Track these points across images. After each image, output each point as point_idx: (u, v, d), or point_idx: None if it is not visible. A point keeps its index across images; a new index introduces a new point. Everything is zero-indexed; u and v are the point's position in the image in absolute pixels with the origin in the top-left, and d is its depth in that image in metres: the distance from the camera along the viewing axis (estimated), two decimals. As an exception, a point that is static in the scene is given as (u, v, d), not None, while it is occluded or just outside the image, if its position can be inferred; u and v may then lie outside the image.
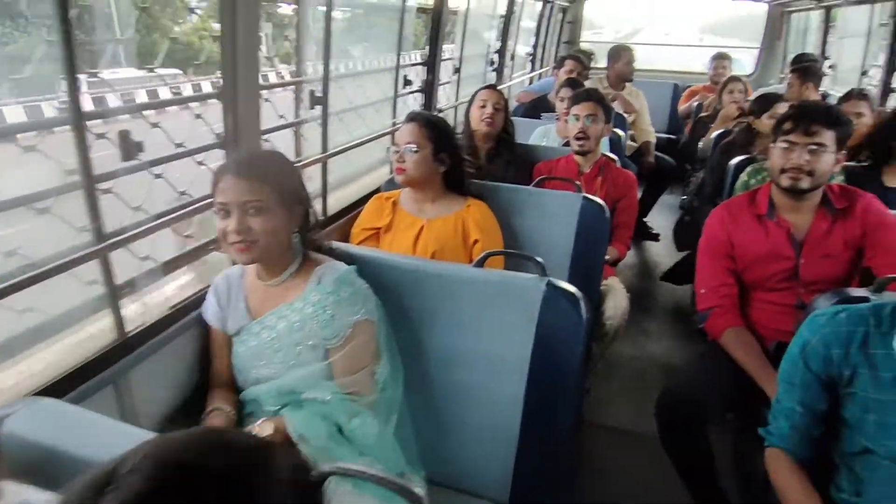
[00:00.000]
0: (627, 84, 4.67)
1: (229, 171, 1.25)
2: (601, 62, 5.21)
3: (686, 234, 3.93)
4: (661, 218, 4.89)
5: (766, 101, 3.20)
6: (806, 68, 3.74)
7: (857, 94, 2.99)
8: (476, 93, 2.81)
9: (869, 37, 3.93)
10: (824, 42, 4.86)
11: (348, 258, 1.46)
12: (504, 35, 4.08)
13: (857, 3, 4.04)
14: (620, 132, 3.58)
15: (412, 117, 1.95)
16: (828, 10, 4.74)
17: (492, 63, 4.02)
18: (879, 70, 3.83)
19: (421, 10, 2.74)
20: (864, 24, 4.07)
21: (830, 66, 4.61)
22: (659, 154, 4.62)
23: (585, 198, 2.16)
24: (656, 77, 6.64)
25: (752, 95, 4.73)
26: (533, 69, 5.44)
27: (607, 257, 2.50)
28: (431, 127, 1.92)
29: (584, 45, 6.96)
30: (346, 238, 2.09)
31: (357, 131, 2.39)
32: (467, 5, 3.19)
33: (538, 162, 2.80)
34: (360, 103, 2.37)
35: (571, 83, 3.43)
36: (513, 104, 4.74)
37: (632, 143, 4.66)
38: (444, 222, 2.01)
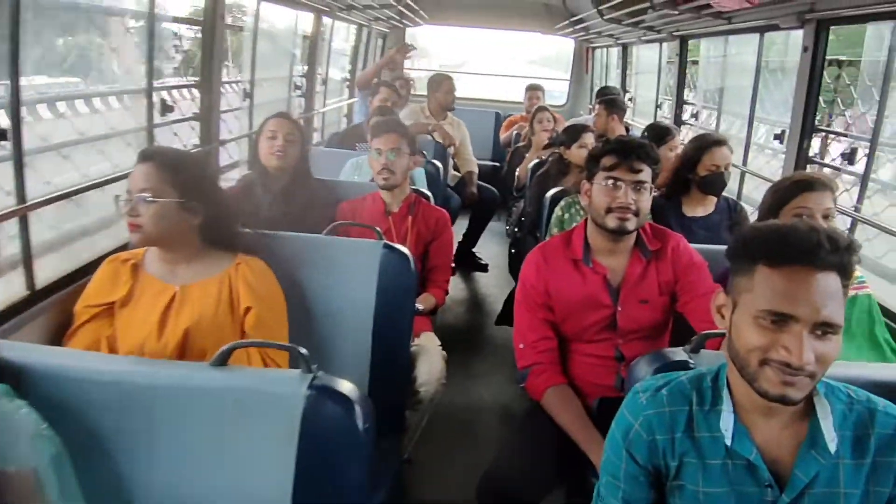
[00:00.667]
0: (449, 114, 4.54)
1: None
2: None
3: (515, 266, 3.85)
4: (492, 246, 4.84)
5: (574, 132, 3.20)
6: (611, 101, 3.87)
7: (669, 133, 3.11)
8: (265, 122, 2.39)
9: (660, 73, 4.22)
10: (624, 76, 5.20)
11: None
12: (311, 58, 3.70)
13: (648, 42, 4.34)
14: (439, 164, 3.38)
15: (146, 156, 1.47)
16: (624, 47, 5.08)
17: (297, 87, 3.61)
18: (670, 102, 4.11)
19: (182, 20, 2.25)
20: (655, 61, 4.39)
21: (630, 99, 4.93)
22: (482, 184, 4.54)
23: (387, 246, 1.84)
24: (480, 106, 6.75)
25: (561, 123, 4.94)
26: (351, 95, 5.13)
27: (420, 307, 2.22)
28: (174, 168, 1.46)
29: (411, 73, 6.90)
30: (69, 320, 1.53)
31: (94, 168, 1.82)
32: (255, 21, 2.85)
33: (343, 201, 2.45)
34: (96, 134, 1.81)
35: (383, 112, 3.15)
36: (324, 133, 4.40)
37: (455, 173, 4.54)
38: (204, 288, 1.54)
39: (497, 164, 6.01)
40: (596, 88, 6.30)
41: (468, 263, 4.64)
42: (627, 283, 1.72)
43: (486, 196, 4.49)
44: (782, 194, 1.66)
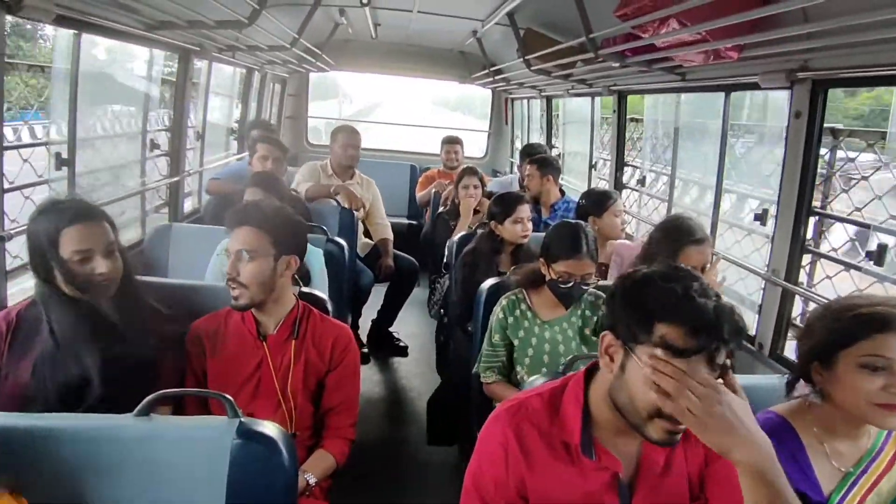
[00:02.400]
0: (357, 171, 3.87)
1: None
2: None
3: (444, 360, 3.18)
4: (412, 322, 4.16)
5: (508, 203, 2.64)
6: (544, 161, 3.39)
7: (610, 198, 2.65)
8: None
9: (593, 128, 3.82)
10: (549, 130, 4.80)
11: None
12: (178, 107, 2.93)
13: (577, 96, 3.94)
14: (342, 241, 2.69)
15: None
16: (548, 99, 4.70)
17: (155, 145, 2.83)
18: (605, 161, 3.69)
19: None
20: (583, 109, 3.98)
21: (558, 156, 4.51)
22: (399, 253, 3.87)
23: (243, 427, 1.12)
24: (393, 158, 6.18)
25: (488, 183, 4.41)
26: (240, 149, 4.37)
27: (311, 480, 1.56)
28: None
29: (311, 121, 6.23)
30: None
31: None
32: (208, 77, 2.24)
33: (198, 317, 1.70)
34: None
35: (261, 181, 2.45)
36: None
37: (367, 241, 3.86)
38: None
39: (414, 222, 5.42)
40: (517, 140, 5.94)
41: (385, 346, 3.93)
42: (645, 481, 1.10)
43: (405, 267, 3.83)
44: (843, 332, 1.13)
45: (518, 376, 2.00)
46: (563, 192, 3.44)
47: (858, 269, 1.65)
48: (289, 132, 5.79)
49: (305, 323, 1.70)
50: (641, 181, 3.18)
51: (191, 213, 3.41)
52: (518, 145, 5.81)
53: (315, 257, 2.43)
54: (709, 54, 1.96)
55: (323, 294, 1.92)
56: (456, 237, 3.02)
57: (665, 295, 0.96)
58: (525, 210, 2.64)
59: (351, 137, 3.77)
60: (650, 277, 1.02)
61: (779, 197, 1.90)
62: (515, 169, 4.97)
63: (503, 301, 2.05)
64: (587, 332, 2.00)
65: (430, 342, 3.60)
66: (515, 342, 2.00)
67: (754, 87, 1.98)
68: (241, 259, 1.57)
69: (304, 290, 1.87)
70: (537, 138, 5.22)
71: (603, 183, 3.66)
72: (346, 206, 3.35)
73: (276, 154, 3.14)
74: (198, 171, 3.49)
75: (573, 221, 1.98)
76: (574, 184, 4.13)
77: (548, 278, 1.95)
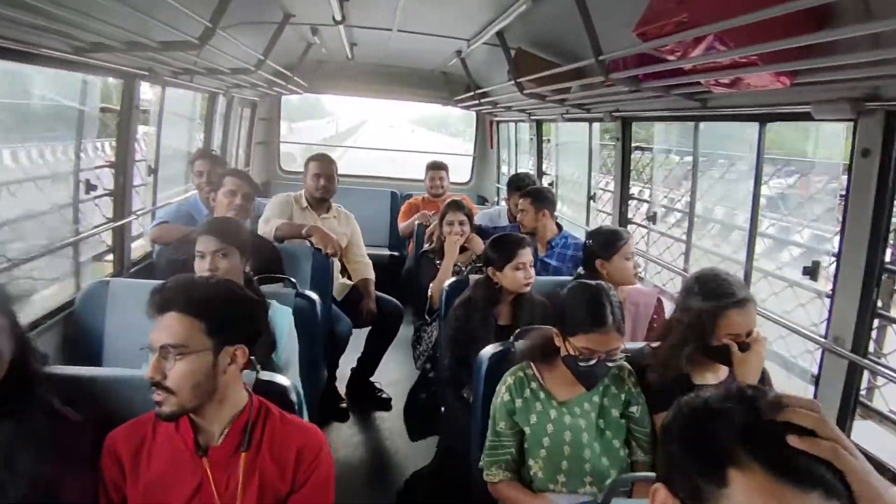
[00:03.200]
0: (335, 204, 3.50)
1: None
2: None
3: (420, 417, 2.79)
4: (397, 370, 3.76)
5: (507, 248, 2.29)
6: (538, 193, 3.06)
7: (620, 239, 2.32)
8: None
9: (591, 157, 3.50)
10: (539, 157, 4.49)
11: None
12: (122, 140, 2.54)
13: (572, 121, 3.63)
14: (314, 296, 2.31)
15: None
16: (538, 123, 4.40)
17: (91, 187, 2.42)
18: (606, 192, 3.37)
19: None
20: (576, 133, 3.66)
21: (551, 183, 4.19)
22: (382, 295, 3.49)
23: None
24: (373, 184, 5.82)
25: (476, 214, 4.07)
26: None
27: None
28: None
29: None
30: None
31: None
32: (161, 103, 2.13)
33: (126, 418, 1.30)
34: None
35: (216, 227, 2.05)
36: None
37: (345, 282, 3.48)
38: None
39: (396, 253, 5.06)
40: (503, 164, 5.63)
41: (366, 399, 3.53)
42: None
43: (388, 310, 3.44)
44: None
45: (531, 472, 1.63)
46: (560, 227, 3.11)
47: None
48: (260, 158, 5.41)
49: (261, 427, 1.31)
50: (652, 218, 2.86)
51: (142, 258, 3.00)
52: (505, 170, 5.50)
53: (282, 318, 2.04)
54: (744, 80, 1.65)
55: (287, 380, 1.52)
56: (446, 284, 2.66)
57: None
58: (527, 254, 2.29)
59: (323, 167, 3.40)
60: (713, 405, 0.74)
61: (840, 249, 1.58)
62: (503, 198, 4.64)
63: (508, 379, 1.68)
64: (614, 412, 1.65)
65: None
66: (527, 430, 1.64)
67: (801, 117, 1.67)
68: (167, 357, 1.19)
69: (263, 376, 1.48)
70: (526, 163, 4.91)
71: (603, 217, 3.34)
72: (319, 248, 2.98)
73: (246, 189, 2.75)
74: (150, 211, 3.08)
75: (593, 284, 1.63)
76: (569, 216, 3.81)
77: (564, 353, 1.60)
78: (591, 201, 3.49)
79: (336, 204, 3.55)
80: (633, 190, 3.02)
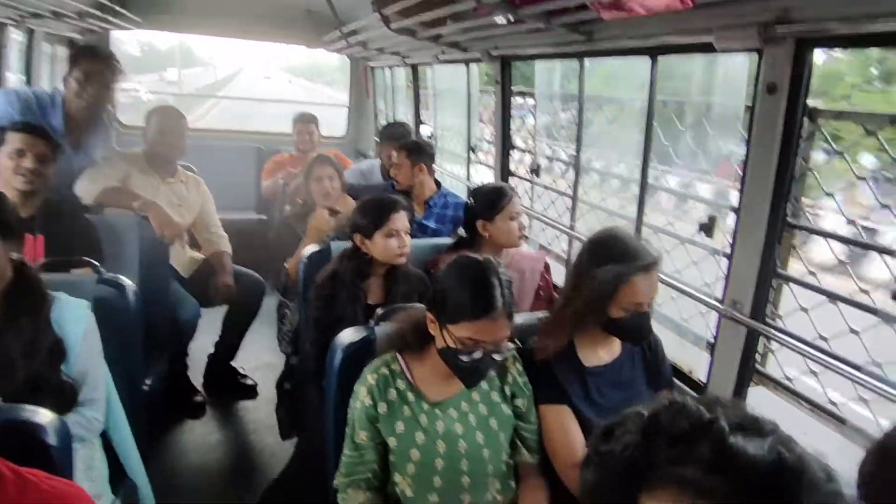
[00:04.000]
0: (180, 167, 2.92)
1: None
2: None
3: (288, 411, 2.42)
4: (262, 350, 3.31)
5: (378, 212, 1.93)
6: (415, 147, 2.70)
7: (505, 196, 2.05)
8: None
9: (470, 103, 3.17)
10: (417, 105, 4.11)
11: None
12: None
13: (448, 62, 3.27)
14: (123, 280, 1.81)
15: None
16: (414, 68, 3.99)
17: None
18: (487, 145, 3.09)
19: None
20: (464, 86, 3.30)
21: (430, 136, 3.84)
22: (240, 269, 3.00)
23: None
24: (235, 139, 5.15)
25: (350, 168, 3.65)
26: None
27: None
28: None
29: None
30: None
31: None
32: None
33: None
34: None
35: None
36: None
37: (194, 255, 2.95)
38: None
39: (264, 217, 4.50)
40: (380, 115, 5.17)
41: (227, 387, 3.07)
42: None
43: (247, 285, 2.97)
44: None
45: (398, 489, 1.33)
46: (439, 185, 2.79)
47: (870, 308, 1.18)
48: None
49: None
50: (535, 170, 2.61)
51: None
52: (383, 121, 5.06)
53: (74, 316, 1.54)
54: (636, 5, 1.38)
55: (47, 415, 1.08)
56: (306, 252, 2.25)
57: None
58: (401, 219, 1.95)
59: (169, 122, 2.81)
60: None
61: (740, 204, 1.39)
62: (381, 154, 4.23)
63: (369, 378, 1.35)
64: (500, 409, 1.38)
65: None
66: (392, 442, 1.33)
67: (700, 49, 1.44)
68: None
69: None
70: (403, 114, 4.51)
71: (484, 170, 3.06)
72: (157, 233, 2.45)
73: (41, 149, 2.11)
74: None
75: (478, 259, 1.32)
76: (450, 172, 3.50)
77: (441, 345, 1.29)
78: (472, 153, 3.19)
79: (184, 165, 2.98)
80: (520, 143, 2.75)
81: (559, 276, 2.29)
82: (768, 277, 1.35)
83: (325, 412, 1.51)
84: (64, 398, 1.45)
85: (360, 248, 1.96)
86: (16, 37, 3.34)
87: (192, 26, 4.80)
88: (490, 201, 2.11)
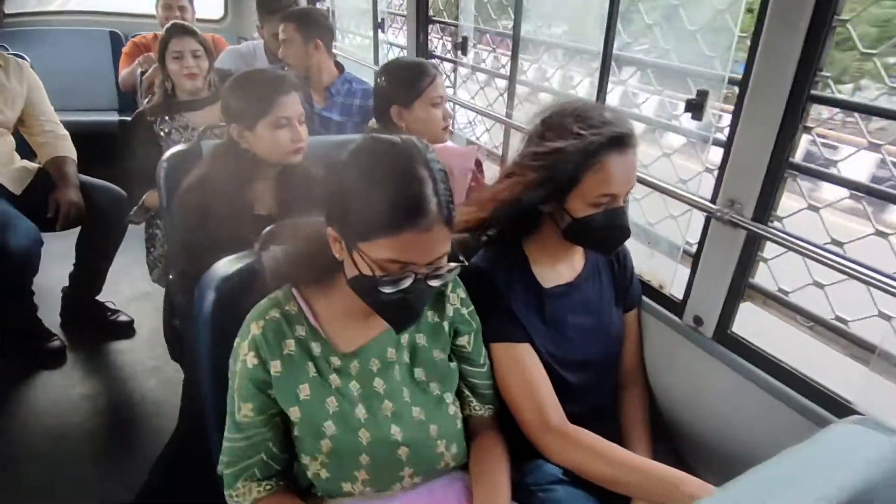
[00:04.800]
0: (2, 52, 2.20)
1: None
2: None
3: (179, 341, 1.96)
4: (139, 279, 2.73)
5: (260, 96, 1.43)
6: (305, 16, 2.13)
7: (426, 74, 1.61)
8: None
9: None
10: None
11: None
12: None
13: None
14: None
15: None
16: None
17: None
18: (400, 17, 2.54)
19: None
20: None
21: (328, 10, 3.18)
22: (90, 179, 2.37)
23: None
24: (88, 23, 4.16)
25: (225, 50, 2.98)
26: None
27: None
28: None
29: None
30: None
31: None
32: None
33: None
34: None
35: None
36: None
37: (25, 166, 2.29)
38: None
39: (127, 118, 3.72)
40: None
41: (95, 327, 2.52)
42: None
43: (104, 201, 2.35)
44: None
45: (309, 472, 0.97)
46: (341, 68, 2.25)
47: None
48: None
49: None
50: (461, 46, 2.13)
51: None
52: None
53: None
54: None
55: None
56: (166, 156, 1.70)
57: None
58: (293, 104, 1.47)
59: None
60: None
61: (748, 71, 1.04)
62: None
63: (253, 327, 0.93)
64: (438, 354, 1.03)
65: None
66: (294, 413, 0.94)
67: None
68: None
69: None
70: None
71: (397, 52, 2.54)
72: None
73: None
74: None
75: (395, 142, 0.88)
76: (354, 55, 2.93)
77: (352, 274, 0.89)
78: (380, 31, 2.63)
79: (14, 53, 2.27)
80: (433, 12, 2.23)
81: (494, 177, 1.91)
82: (780, 169, 1.05)
83: (199, 379, 1.08)
84: None
85: (240, 144, 1.47)
86: None
87: None
88: (407, 82, 1.64)
